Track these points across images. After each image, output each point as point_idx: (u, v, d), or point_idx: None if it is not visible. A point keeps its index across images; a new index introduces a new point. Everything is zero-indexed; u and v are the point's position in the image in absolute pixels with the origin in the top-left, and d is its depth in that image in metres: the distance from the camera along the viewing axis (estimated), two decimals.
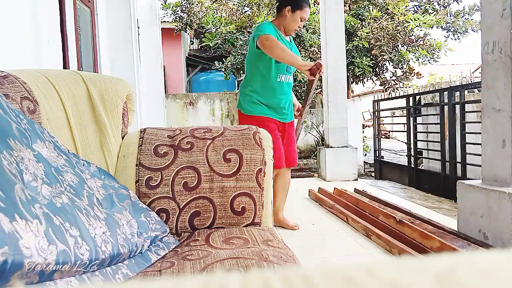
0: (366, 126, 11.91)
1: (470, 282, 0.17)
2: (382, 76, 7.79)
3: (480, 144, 2.30)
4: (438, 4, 7.85)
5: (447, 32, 7.58)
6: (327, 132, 4.99)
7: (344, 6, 5.65)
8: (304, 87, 7.15)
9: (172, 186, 1.16)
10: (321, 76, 5.68)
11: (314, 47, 7.22)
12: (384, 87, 7.88)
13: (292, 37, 2.76)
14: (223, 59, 7.20)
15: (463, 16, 7.52)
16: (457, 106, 4.36)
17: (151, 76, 6.00)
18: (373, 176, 6.61)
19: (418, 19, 6.98)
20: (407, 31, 7.05)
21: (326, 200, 3.30)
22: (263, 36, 2.26)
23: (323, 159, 4.88)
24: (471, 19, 7.53)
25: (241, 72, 7.33)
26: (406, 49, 7.36)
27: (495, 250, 0.21)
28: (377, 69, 7.65)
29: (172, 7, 7.85)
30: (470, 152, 4.12)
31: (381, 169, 6.30)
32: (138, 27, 4.87)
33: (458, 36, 7.55)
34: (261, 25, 2.41)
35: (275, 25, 2.46)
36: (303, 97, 2.75)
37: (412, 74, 7.59)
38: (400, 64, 7.42)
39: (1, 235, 0.53)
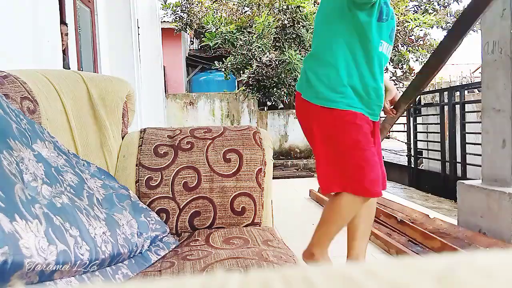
0: None
1: (470, 282, 0.17)
2: None
3: (480, 144, 2.30)
4: (438, 4, 7.85)
5: (447, 32, 7.58)
6: None
7: None
8: None
9: (172, 186, 1.16)
10: None
11: None
12: None
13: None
14: (223, 59, 7.20)
15: None
16: (457, 106, 4.36)
17: (151, 76, 6.00)
18: None
19: (418, 19, 6.98)
20: (407, 31, 7.05)
21: (326, 200, 3.30)
22: None
23: None
24: None
25: (241, 72, 7.32)
26: (406, 49, 7.36)
27: (495, 250, 0.21)
28: None
29: (172, 7, 7.85)
30: (470, 152, 4.12)
31: None
32: (138, 27, 4.87)
33: None
34: None
35: None
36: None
37: (412, 74, 7.59)
38: (400, 64, 7.42)
39: (1, 235, 0.53)
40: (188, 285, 0.18)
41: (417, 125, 5.43)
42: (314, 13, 7.21)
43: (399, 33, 6.99)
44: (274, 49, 7.11)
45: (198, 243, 1.02)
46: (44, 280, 0.62)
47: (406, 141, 5.79)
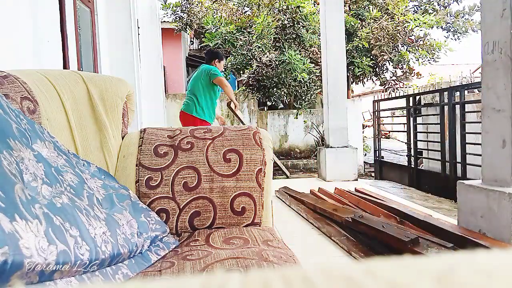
0: (366, 126, 11.90)
1: (470, 282, 0.17)
2: (382, 76, 7.80)
3: (480, 144, 2.30)
4: (438, 4, 7.86)
5: (447, 32, 7.59)
6: (327, 132, 4.99)
7: (344, 6, 5.65)
8: (304, 87, 7.15)
9: (172, 186, 1.16)
10: (321, 76, 5.69)
11: (314, 47, 7.22)
12: (384, 87, 7.88)
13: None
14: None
15: (463, 16, 7.52)
16: (457, 106, 4.35)
17: (151, 76, 6.00)
18: (373, 176, 6.60)
19: (418, 19, 6.98)
20: (407, 31, 7.05)
21: (327, 201, 3.30)
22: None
23: (323, 159, 4.88)
24: (471, 19, 7.53)
25: (241, 72, 7.33)
26: (406, 49, 7.37)
27: (495, 250, 0.21)
28: (377, 69, 7.65)
29: (172, 7, 7.86)
30: (470, 152, 4.12)
31: (381, 169, 6.29)
32: (138, 27, 4.87)
33: (458, 36, 7.55)
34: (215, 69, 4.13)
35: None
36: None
37: (412, 74, 7.60)
38: (400, 64, 7.42)
39: (1, 235, 0.53)
40: (188, 285, 0.18)
41: (417, 125, 5.42)
42: (314, 13, 7.21)
43: (399, 33, 6.99)
44: (274, 49, 7.11)
45: (198, 243, 1.02)
46: (44, 280, 0.62)
47: (406, 141, 5.78)
